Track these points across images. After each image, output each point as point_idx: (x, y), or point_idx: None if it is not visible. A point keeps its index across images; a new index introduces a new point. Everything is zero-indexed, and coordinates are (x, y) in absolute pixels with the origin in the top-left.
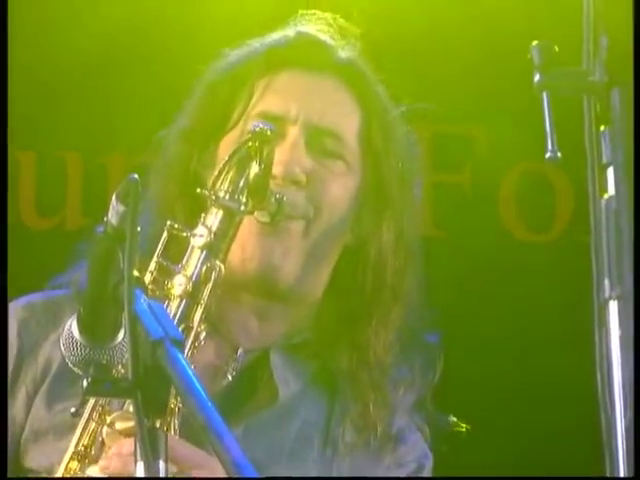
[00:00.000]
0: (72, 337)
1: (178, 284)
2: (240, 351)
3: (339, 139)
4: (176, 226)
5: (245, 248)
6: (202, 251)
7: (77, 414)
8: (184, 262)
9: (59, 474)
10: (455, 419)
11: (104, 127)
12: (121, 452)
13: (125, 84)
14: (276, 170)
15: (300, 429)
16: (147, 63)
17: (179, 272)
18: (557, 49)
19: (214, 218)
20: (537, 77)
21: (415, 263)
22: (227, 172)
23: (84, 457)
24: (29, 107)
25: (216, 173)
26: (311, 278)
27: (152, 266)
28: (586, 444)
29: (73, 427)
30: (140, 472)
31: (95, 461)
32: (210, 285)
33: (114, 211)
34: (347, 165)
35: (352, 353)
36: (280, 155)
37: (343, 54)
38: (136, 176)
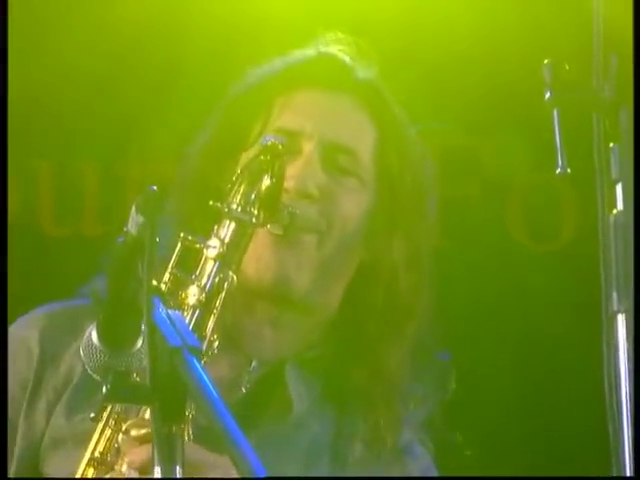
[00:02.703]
0: (92, 344)
1: (192, 294)
2: (254, 363)
3: (354, 156)
4: (190, 238)
5: (260, 259)
6: (215, 262)
7: (96, 419)
8: (197, 273)
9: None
10: (461, 440)
11: (122, 138)
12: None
13: (144, 95)
14: (290, 184)
15: (310, 444)
16: (165, 74)
17: (193, 283)
18: (567, 67)
19: (226, 230)
20: (548, 94)
21: (428, 281)
22: (239, 185)
23: (100, 464)
24: (46, 117)
25: (229, 186)
26: (324, 291)
27: (166, 277)
28: (594, 454)
29: (92, 436)
30: (157, 477)
31: (111, 468)
32: (223, 295)
33: (133, 222)
34: (361, 182)
35: (364, 369)
36: (294, 170)
37: (362, 74)
38: (155, 187)
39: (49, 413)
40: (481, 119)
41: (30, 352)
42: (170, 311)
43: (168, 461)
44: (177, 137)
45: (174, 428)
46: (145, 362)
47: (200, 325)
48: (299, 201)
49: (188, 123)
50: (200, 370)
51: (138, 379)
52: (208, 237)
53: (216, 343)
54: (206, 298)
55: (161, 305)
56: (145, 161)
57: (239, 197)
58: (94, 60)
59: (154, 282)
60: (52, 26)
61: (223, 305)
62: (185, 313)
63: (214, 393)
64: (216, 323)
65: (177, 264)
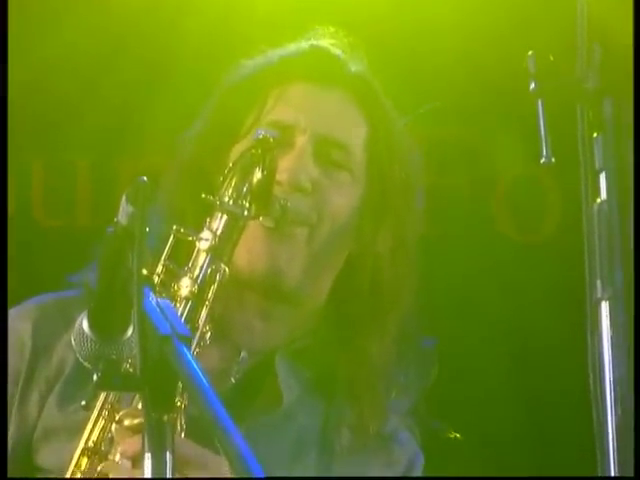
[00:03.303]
0: (83, 332)
1: (184, 286)
2: (243, 354)
3: (346, 150)
4: (182, 230)
5: (251, 252)
6: (207, 254)
7: (87, 407)
8: (190, 265)
9: (69, 470)
10: (445, 426)
11: (114, 130)
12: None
13: (135, 88)
14: (282, 177)
15: (299, 433)
16: (157, 68)
17: (185, 274)
18: (552, 58)
19: (218, 222)
20: (532, 85)
21: (413, 271)
22: (231, 178)
23: (94, 453)
24: (39, 111)
25: (221, 179)
26: (314, 283)
27: (159, 269)
28: (579, 441)
29: (84, 427)
30: (148, 463)
31: (105, 457)
32: (215, 287)
33: (124, 212)
34: (352, 176)
35: (349, 358)
36: (288, 163)
37: (353, 68)
38: (145, 178)
39: (41, 404)
40: (466, 110)
41: (22, 344)
42: (160, 300)
43: (158, 448)
44: (169, 130)
45: (164, 415)
46: (135, 350)
47: (192, 316)
48: (291, 194)
49: (180, 116)
50: (190, 358)
51: (129, 367)
52: (200, 229)
53: (208, 334)
54: (198, 290)
55: (151, 294)
56: (137, 154)
57: (231, 190)
58: (85, 55)
59: (144, 271)
60: (43, 23)
61: (215, 296)
62: (178, 304)
63: (204, 381)
64: (208, 314)
65: (170, 256)
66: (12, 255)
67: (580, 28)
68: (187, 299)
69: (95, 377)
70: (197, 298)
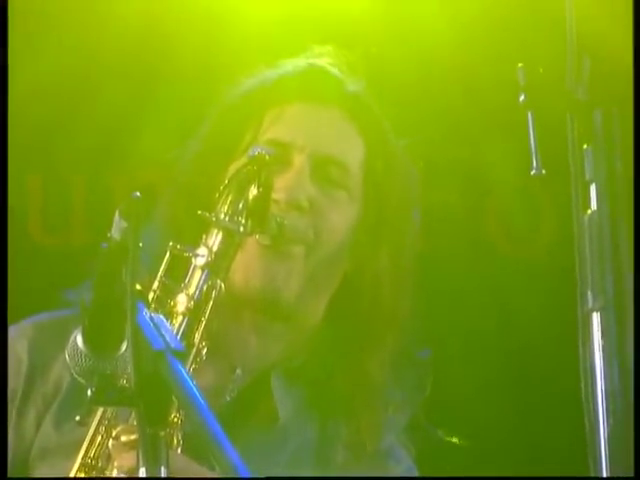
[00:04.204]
0: (77, 348)
1: (180, 302)
2: (238, 371)
3: (343, 169)
4: (178, 247)
5: (248, 269)
6: (203, 270)
7: (82, 423)
8: (186, 281)
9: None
10: (441, 433)
11: (108, 147)
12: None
13: (129, 105)
14: (280, 195)
15: (294, 451)
16: (151, 84)
17: (181, 291)
18: (541, 70)
19: (215, 239)
20: (522, 97)
21: (410, 288)
22: (227, 195)
23: (91, 468)
24: (34, 128)
25: (217, 196)
26: (311, 301)
27: (155, 285)
28: (571, 450)
29: (80, 447)
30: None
31: (101, 472)
32: (211, 303)
33: (117, 227)
34: (349, 195)
35: (347, 376)
36: (285, 181)
37: (351, 87)
38: (138, 194)
39: (38, 423)
40: (456, 122)
41: (19, 362)
42: (154, 315)
43: (153, 462)
44: (163, 146)
45: (159, 430)
46: (129, 366)
47: (189, 332)
48: (289, 212)
49: (174, 132)
50: (184, 373)
51: (124, 382)
52: (197, 246)
53: (204, 350)
54: (195, 306)
55: (145, 309)
56: (132, 170)
57: (227, 207)
58: (80, 72)
59: (138, 287)
60: (38, 42)
61: (211, 313)
62: (174, 321)
63: (198, 396)
64: (204, 330)
65: (166, 273)
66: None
67: (570, 40)
68: (183, 315)
69: (89, 392)
70: (193, 314)
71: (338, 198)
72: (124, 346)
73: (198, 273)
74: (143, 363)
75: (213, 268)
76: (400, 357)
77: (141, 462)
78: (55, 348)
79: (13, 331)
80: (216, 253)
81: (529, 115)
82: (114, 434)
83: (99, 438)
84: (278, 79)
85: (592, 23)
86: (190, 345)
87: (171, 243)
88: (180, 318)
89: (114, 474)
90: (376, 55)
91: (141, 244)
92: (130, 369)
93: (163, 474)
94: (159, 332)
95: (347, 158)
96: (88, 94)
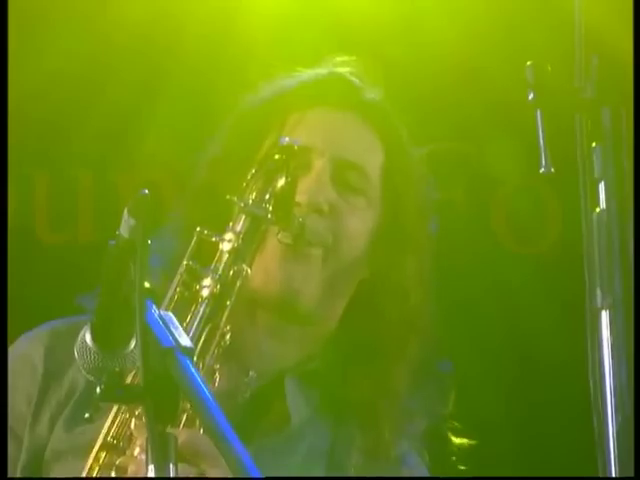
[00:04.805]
0: (86, 345)
1: (206, 286)
2: (252, 373)
3: (363, 174)
4: (205, 232)
5: (267, 271)
6: (230, 255)
7: (91, 420)
8: (212, 266)
9: (88, 464)
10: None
11: (115, 145)
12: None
13: (136, 102)
14: (301, 198)
15: (306, 455)
16: (157, 81)
17: (208, 275)
18: (550, 69)
19: (242, 224)
20: (531, 95)
21: (432, 296)
22: (255, 182)
23: (113, 448)
24: (40, 126)
25: (244, 185)
26: (328, 305)
27: (182, 268)
28: (579, 448)
29: (92, 449)
30: (151, 475)
31: (123, 452)
32: (237, 287)
33: (125, 224)
34: (368, 201)
35: (367, 382)
36: (306, 184)
37: (369, 95)
38: (147, 191)
39: (52, 427)
40: (465, 120)
41: (35, 369)
42: (162, 312)
43: (162, 460)
44: (171, 143)
45: (167, 427)
46: (138, 363)
47: (214, 316)
48: (309, 215)
49: (181, 130)
50: (192, 370)
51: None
52: (223, 232)
53: (228, 335)
54: (220, 290)
55: (153, 307)
56: (138, 168)
57: (255, 194)
58: (86, 69)
59: (146, 284)
60: (44, 36)
61: (237, 297)
62: (199, 304)
63: (206, 392)
64: (229, 315)
65: (192, 256)
66: (14, 271)
67: (578, 39)
68: (209, 299)
69: (98, 389)
70: (219, 298)
71: (357, 203)
72: (133, 343)
73: (224, 257)
74: (152, 360)
75: (239, 253)
76: (422, 365)
77: (150, 459)
78: (70, 354)
79: (28, 338)
80: (243, 238)
81: (538, 113)
82: (137, 413)
83: (121, 417)
84: (299, 86)
85: (601, 21)
86: (215, 328)
87: (198, 228)
88: (206, 302)
89: (136, 452)
90: (385, 56)
91: (150, 242)
92: (139, 366)
93: (172, 472)
94: (168, 329)
95: (366, 164)
96: (95, 91)
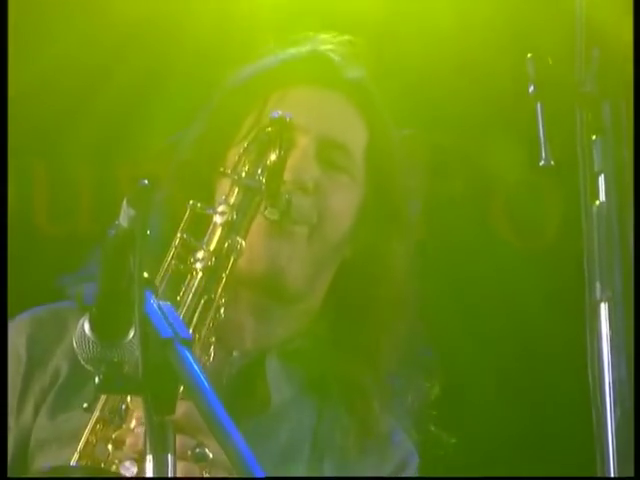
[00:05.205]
0: (84, 335)
1: (201, 258)
2: (235, 353)
3: (347, 152)
4: (199, 205)
5: (252, 248)
6: (224, 228)
7: (89, 410)
8: (206, 238)
9: (84, 438)
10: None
11: (115, 136)
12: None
13: (136, 94)
14: (286, 175)
15: (290, 434)
16: (157, 73)
17: (202, 248)
18: (550, 61)
19: (236, 197)
20: (531, 88)
21: (414, 274)
22: (247, 155)
23: (109, 422)
24: (39, 117)
25: (236, 158)
26: (312, 284)
27: (176, 241)
28: (578, 442)
29: (76, 437)
30: (149, 465)
31: (119, 426)
32: (232, 260)
33: (125, 215)
34: (352, 179)
35: (352, 359)
36: (290, 162)
37: (351, 74)
38: (146, 181)
39: (37, 415)
40: (465, 113)
41: (18, 357)
42: (161, 303)
43: (160, 450)
44: (171, 134)
45: (166, 418)
46: (137, 353)
47: (209, 288)
48: (294, 192)
49: (181, 121)
50: (191, 361)
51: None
52: (200, 228)
53: (223, 309)
54: (215, 262)
55: (152, 297)
56: (138, 159)
57: (248, 166)
58: (86, 60)
59: (145, 274)
60: (42, 33)
61: (231, 270)
62: (194, 276)
63: (205, 383)
64: (224, 287)
65: (186, 229)
66: (12, 262)
67: (579, 32)
68: (204, 271)
69: (97, 380)
70: (214, 271)
71: (341, 181)
72: (132, 334)
73: (219, 230)
74: (151, 351)
75: (234, 226)
76: (407, 345)
77: (148, 449)
78: (53, 341)
79: (11, 326)
80: (237, 211)
81: (538, 106)
82: None
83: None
84: (280, 64)
85: (601, 14)
86: (210, 300)
87: (192, 202)
88: (200, 274)
89: (132, 425)
90: (385, 46)
91: (149, 232)
92: (138, 357)
93: (170, 462)
94: (167, 320)
95: (350, 142)
96: (94, 82)
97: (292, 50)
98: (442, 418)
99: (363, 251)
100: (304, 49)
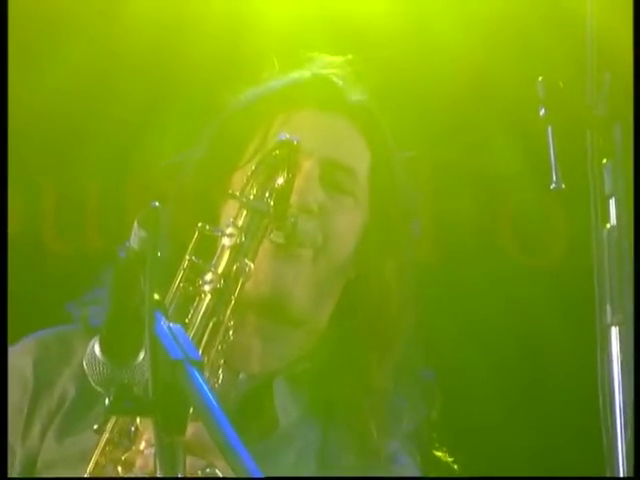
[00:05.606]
0: (95, 357)
1: (209, 281)
2: (242, 376)
3: (351, 175)
4: (207, 227)
5: (258, 271)
6: (233, 250)
7: (99, 431)
8: (215, 261)
9: (94, 458)
10: (448, 456)
11: (122, 153)
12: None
13: (144, 111)
14: (291, 198)
15: (298, 455)
16: (165, 90)
17: (210, 270)
18: (561, 85)
19: (244, 219)
20: (542, 111)
21: (415, 297)
22: (256, 178)
23: (118, 444)
24: (47, 134)
25: (244, 181)
26: (318, 307)
27: (184, 264)
28: (589, 464)
29: (83, 459)
30: None
31: (128, 448)
32: (240, 282)
33: (136, 236)
34: (356, 201)
35: (353, 382)
36: (295, 185)
37: (354, 97)
38: (157, 203)
39: (44, 437)
40: (476, 135)
41: (25, 380)
42: (172, 325)
43: (170, 471)
44: (178, 153)
45: (176, 439)
46: (147, 375)
47: (217, 311)
48: (299, 215)
49: (190, 138)
50: (202, 382)
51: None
52: (203, 250)
53: (232, 331)
54: (224, 284)
55: (163, 318)
56: (146, 177)
57: (256, 189)
58: (94, 77)
59: (156, 296)
60: (51, 43)
61: (240, 292)
62: (203, 299)
63: (215, 405)
64: (233, 309)
65: (195, 252)
66: (19, 280)
67: (590, 55)
68: (212, 294)
69: (107, 401)
70: (222, 293)
71: (345, 204)
72: (142, 355)
73: (227, 253)
74: (161, 372)
75: (242, 248)
76: (406, 366)
77: (158, 470)
78: (59, 364)
79: (17, 349)
80: (245, 233)
81: (549, 129)
82: None
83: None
84: (284, 87)
85: (613, 38)
86: (219, 323)
87: (200, 224)
88: (209, 296)
89: (142, 447)
90: (393, 67)
91: (159, 253)
92: (148, 378)
93: None
94: (177, 342)
95: (354, 164)
96: (103, 98)
97: (295, 74)
98: (448, 441)
99: (367, 272)
100: (307, 73)
